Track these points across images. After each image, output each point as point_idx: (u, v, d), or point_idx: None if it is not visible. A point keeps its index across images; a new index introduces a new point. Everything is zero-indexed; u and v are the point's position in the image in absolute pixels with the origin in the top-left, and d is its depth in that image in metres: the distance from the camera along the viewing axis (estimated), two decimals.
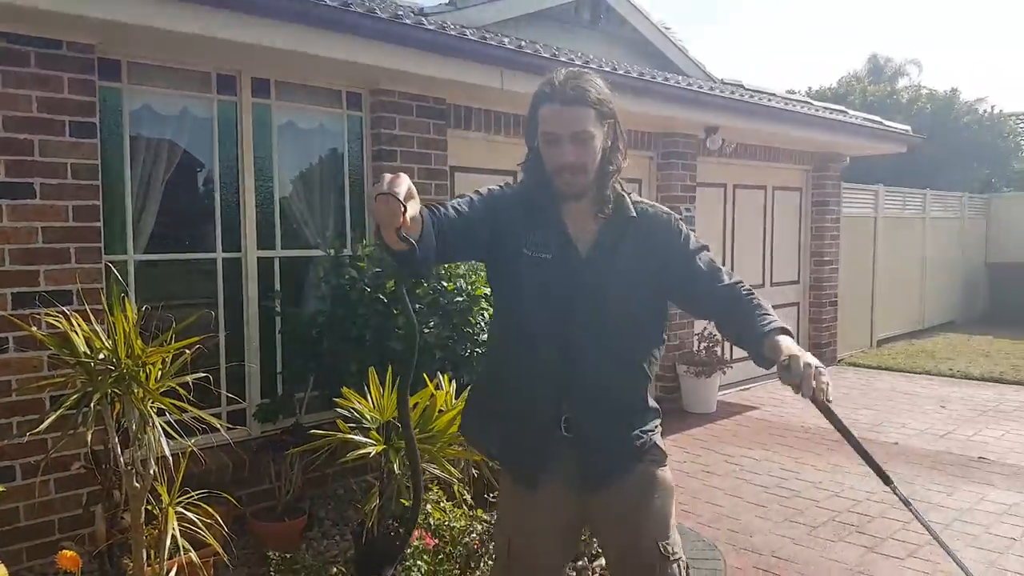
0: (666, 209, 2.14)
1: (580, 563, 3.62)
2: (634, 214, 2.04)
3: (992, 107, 15.02)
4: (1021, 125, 16.17)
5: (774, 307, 6.97)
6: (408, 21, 4.33)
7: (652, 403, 2.15)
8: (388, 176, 1.51)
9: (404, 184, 1.49)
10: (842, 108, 8.50)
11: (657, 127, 6.88)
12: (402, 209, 1.44)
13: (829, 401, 1.77)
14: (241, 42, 3.79)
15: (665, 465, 2.12)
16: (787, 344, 1.83)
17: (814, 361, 1.77)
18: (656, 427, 2.14)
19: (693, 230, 2.14)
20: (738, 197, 8.26)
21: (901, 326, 11.51)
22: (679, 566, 2.04)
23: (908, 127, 9.70)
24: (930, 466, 5.49)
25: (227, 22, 3.69)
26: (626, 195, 2.06)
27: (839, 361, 9.62)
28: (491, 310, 4.18)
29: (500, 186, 2.11)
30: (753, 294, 2.02)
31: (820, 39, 63.18)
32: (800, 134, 7.73)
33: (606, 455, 2.04)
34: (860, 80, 18.62)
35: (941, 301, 12.58)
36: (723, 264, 2.10)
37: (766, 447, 5.95)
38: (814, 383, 1.73)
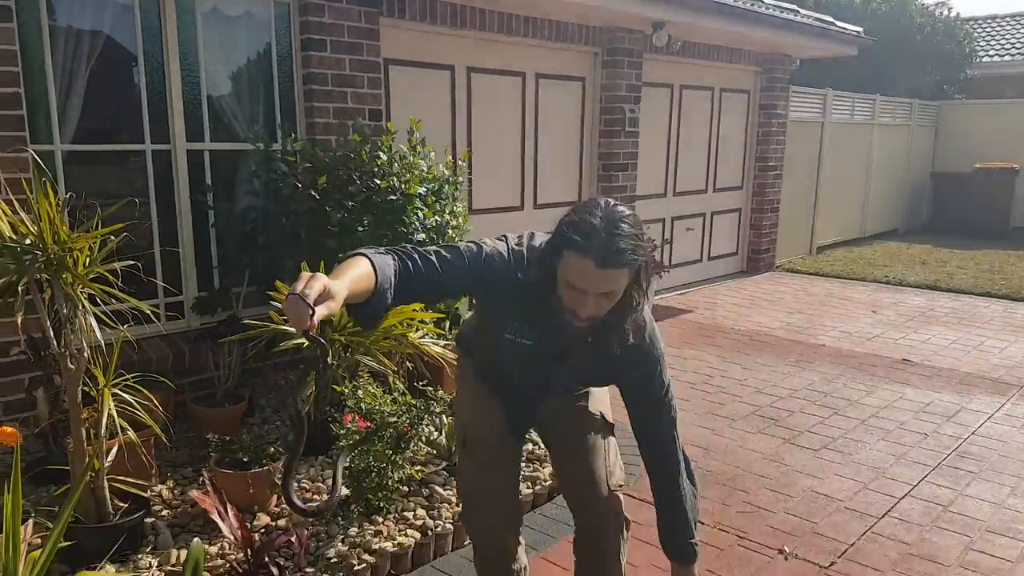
0: (654, 348, 2.06)
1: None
2: (619, 352, 1.99)
3: (949, 10, 14.90)
4: (976, 30, 16.10)
5: (715, 214, 7.12)
6: None
7: None
8: (304, 277, 1.50)
9: (317, 287, 1.47)
10: (793, 7, 8.34)
11: (602, 20, 6.71)
12: (310, 312, 1.45)
13: None
14: None
15: None
16: None
17: None
18: None
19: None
20: (685, 99, 8.21)
21: (842, 233, 11.75)
22: (613, 440, 2.33)
23: (860, 28, 9.63)
24: (855, 367, 5.74)
25: None
26: (628, 330, 1.97)
27: (777, 267, 9.86)
28: (425, 210, 4.22)
29: (513, 258, 1.93)
30: (682, 492, 2.14)
31: None
32: (749, 32, 7.59)
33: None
34: None
35: (884, 209, 12.78)
36: (669, 387, 2.13)
37: (696, 347, 6.17)
38: None
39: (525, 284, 1.90)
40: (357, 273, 1.63)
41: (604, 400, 2.37)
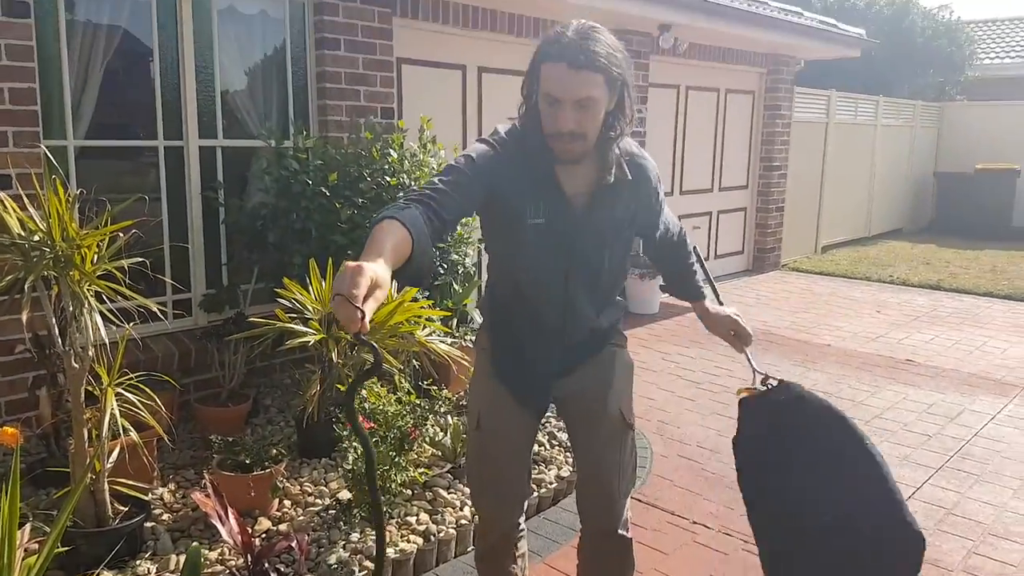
0: (652, 163, 2.13)
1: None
2: (631, 178, 2.01)
3: (950, 13, 14.93)
4: (977, 33, 16.10)
5: (721, 213, 7.25)
6: None
7: (620, 300, 2.30)
8: (349, 271, 1.36)
9: (363, 283, 1.34)
10: (797, 9, 8.41)
11: (609, 23, 6.67)
12: (360, 315, 1.33)
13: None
14: None
15: (625, 347, 2.31)
16: (717, 310, 2.40)
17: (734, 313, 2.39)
18: (619, 318, 2.30)
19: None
20: (691, 99, 8.25)
21: (847, 233, 11.74)
22: (633, 435, 2.23)
23: (863, 31, 9.66)
24: (858, 367, 5.74)
25: None
26: (620, 153, 2.00)
27: (782, 266, 9.86)
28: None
29: (495, 144, 1.94)
30: (694, 262, 2.41)
31: None
32: (753, 34, 7.68)
33: (582, 354, 2.20)
34: None
35: (889, 209, 12.79)
36: (673, 218, 2.34)
37: (702, 346, 6.17)
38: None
39: (521, 145, 1.92)
40: (394, 242, 1.54)
41: (626, 392, 2.27)
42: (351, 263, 1.38)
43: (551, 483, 3.58)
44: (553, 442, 4.00)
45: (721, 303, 2.42)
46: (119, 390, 2.70)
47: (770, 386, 2.18)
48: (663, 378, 5.38)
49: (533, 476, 3.57)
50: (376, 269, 1.39)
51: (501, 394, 2.18)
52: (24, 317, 2.49)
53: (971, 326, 7.06)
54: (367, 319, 1.34)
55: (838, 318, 7.28)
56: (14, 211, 2.59)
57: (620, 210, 2.04)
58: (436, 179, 1.80)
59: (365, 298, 1.35)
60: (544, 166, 1.93)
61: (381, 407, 3.12)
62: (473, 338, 4.35)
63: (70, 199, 2.54)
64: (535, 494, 3.45)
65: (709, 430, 4.48)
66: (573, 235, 1.99)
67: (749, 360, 2.30)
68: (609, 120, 1.89)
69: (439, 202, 1.72)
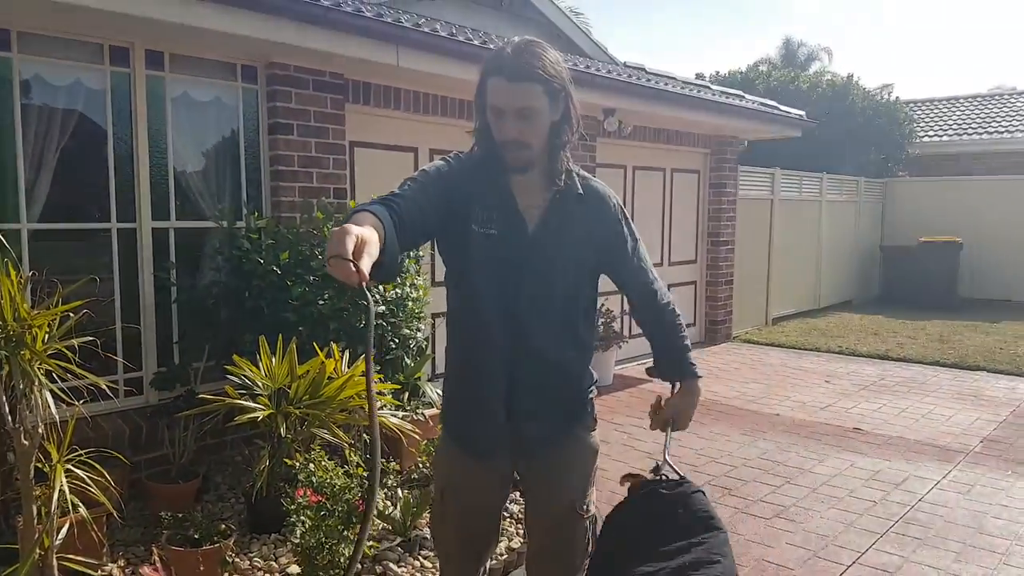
0: (610, 189, 2.18)
1: None
2: (581, 191, 2.07)
3: (889, 94, 15.59)
4: (916, 112, 16.82)
5: (671, 286, 7.29)
6: None
7: (590, 369, 2.24)
8: (336, 235, 1.47)
9: (350, 243, 1.46)
10: (739, 93, 8.83)
11: None
12: (354, 268, 1.44)
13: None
14: (131, 14, 3.81)
15: (595, 431, 2.26)
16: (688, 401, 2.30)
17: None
18: (591, 394, 2.24)
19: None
20: (638, 179, 8.53)
21: (797, 305, 11.97)
22: (589, 522, 2.22)
23: (803, 112, 10.05)
24: (807, 435, 5.83)
25: None
26: (574, 170, 2.09)
27: (733, 338, 10.03)
28: (385, 284, 4.33)
29: (449, 160, 2.04)
30: (677, 314, 2.26)
31: (744, 22, 64.86)
32: (695, 117, 8.00)
33: (546, 430, 2.13)
34: (770, 64, 19.00)
35: (837, 282, 13.07)
36: (660, 281, 2.26)
37: None
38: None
39: (477, 159, 2.02)
40: (372, 222, 1.63)
41: (584, 481, 2.23)
42: (336, 228, 1.50)
43: (501, 555, 3.61)
44: (504, 513, 4.04)
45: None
46: (69, 467, 2.72)
47: (663, 477, 2.24)
48: (616, 449, 5.44)
49: None
50: (361, 230, 1.51)
51: (461, 463, 2.18)
52: None
53: (918, 394, 7.18)
54: (364, 270, 1.46)
55: (788, 388, 7.39)
56: None
57: (576, 228, 2.05)
58: (395, 188, 1.87)
59: (358, 254, 1.47)
60: (497, 173, 2.01)
61: (328, 480, 3.16)
62: (424, 412, 4.41)
63: (22, 281, 2.62)
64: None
65: None
66: (525, 248, 2.02)
67: (666, 446, 2.31)
68: (555, 129, 1.99)
69: (401, 206, 1.79)
